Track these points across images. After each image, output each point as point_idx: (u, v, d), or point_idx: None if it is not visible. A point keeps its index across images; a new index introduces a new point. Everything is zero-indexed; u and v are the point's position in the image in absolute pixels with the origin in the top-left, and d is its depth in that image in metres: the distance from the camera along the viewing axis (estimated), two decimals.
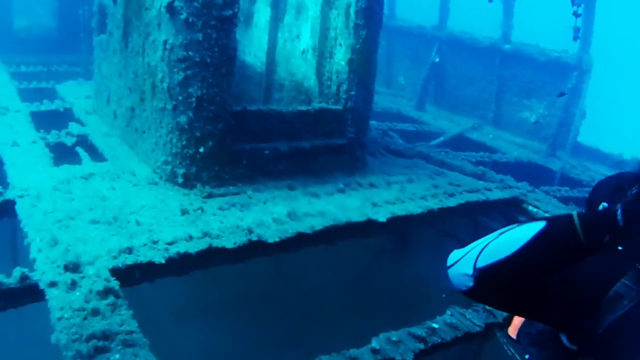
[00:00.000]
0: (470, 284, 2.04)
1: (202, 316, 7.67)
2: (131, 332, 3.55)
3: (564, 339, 2.15)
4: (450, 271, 2.13)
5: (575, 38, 8.75)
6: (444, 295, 4.73)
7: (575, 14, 7.88)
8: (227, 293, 7.56)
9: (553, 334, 2.22)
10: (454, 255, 2.15)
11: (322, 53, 6.80)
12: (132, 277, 4.27)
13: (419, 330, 4.06)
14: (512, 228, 2.07)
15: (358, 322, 7.20)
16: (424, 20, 13.21)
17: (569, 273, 2.06)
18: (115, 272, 4.12)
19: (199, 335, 7.40)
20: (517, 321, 2.56)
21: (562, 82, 10.01)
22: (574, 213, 1.99)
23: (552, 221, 2.00)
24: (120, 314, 3.70)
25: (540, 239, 1.96)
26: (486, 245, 2.04)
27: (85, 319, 3.59)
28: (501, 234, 2.06)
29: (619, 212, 1.91)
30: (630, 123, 32.61)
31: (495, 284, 2.03)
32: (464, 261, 2.07)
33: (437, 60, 12.25)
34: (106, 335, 3.47)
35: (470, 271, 2.03)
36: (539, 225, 1.98)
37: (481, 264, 2.01)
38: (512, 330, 2.56)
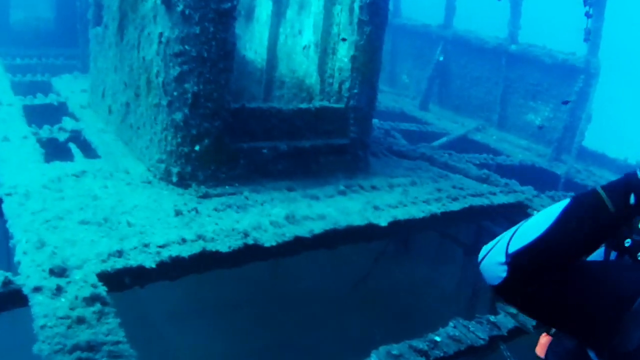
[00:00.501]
0: (504, 274, 1.98)
1: (197, 317, 7.50)
2: (118, 342, 3.36)
3: (593, 356, 2.05)
4: (482, 265, 2.08)
5: (586, 40, 8.54)
6: None
7: (587, 15, 7.65)
8: (223, 294, 7.39)
9: (581, 351, 2.11)
10: (484, 248, 2.11)
11: (325, 49, 6.61)
12: (121, 282, 4.08)
13: (420, 344, 3.86)
14: (539, 211, 2.07)
15: (357, 326, 7.04)
16: (428, 19, 13.00)
17: (592, 282, 2.00)
18: (104, 276, 3.92)
19: (194, 337, 7.23)
20: (545, 340, 2.44)
21: (569, 85, 9.81)
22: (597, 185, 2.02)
23: (577, 196, 2.04)
24: (106, 322, 3.50)
25: (569, 212, 1.97)
26: (516, 230, 2.02)
27: (69, 327, 3.39)
28: (528, 219, 2.05)
29: (638, 171, 1.95)
30: (634, 127, 32.41)
31: (529, 270, 1.97)
32: (496, 250, 2.04)
33: (441, 59, 12.05)
34: (91, 346, 3.27)
35: (503, 258, 1.99)
36: (566, 202, 2.00)
37: (513, 248, 1.98)
38: (540, 350, 2.45)
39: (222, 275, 5.03)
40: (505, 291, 2.05)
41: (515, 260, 1.97)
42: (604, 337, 1.96)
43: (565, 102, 9.23)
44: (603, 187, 2.00)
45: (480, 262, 2.09)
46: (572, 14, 9.78)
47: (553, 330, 2.42)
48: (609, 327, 1.94)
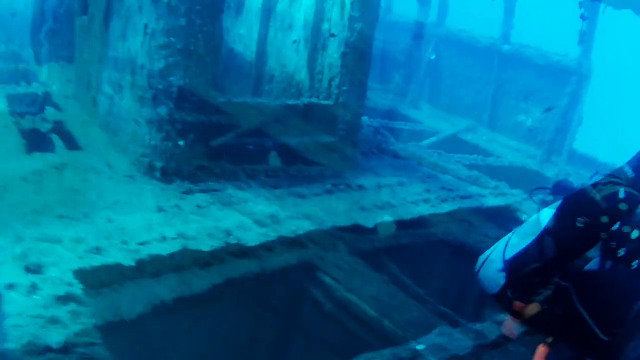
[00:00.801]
0: (502, 281, 2.01)
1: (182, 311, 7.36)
2: (92, 344, 3.25)
3: None
4: (481, 274, 2.10)
5: (581, 42, 8.50)
6: None
7: (582, 17, 7.61)
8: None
9: None
10: (481, 258, 2.13)
11: (315, 45, 6.51)
12: (99, 279, 3.96)
13: (402, 352, 3.77)
14: (531, 216, 2.12)
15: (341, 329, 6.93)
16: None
17: (591, 290, 2.04)
18: (81, 274, 3.81)
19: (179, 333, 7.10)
20: (542, 350, 2.39)
21: (562, 86, 9.76)
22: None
23: (568, 197, 2.07)
24: (81, 322, 3.39)
25: (562, 213, 1.99)
26: (511, 236, 2.05)
27: (42, 327, 3.28)
28: (523, 224, 2.09)
29: (624, 166, 2.03)
30: (624, 131, 32.49)
31: (527, 274, 1.99)
32: (492, 258, 2.06)
33: (433, 57, 11.97)
34: (64, 348, 3.17)
35: (501, 265, 2.01)
36: (557, 204, 2.03)
37: (510, 254, 2.01)
38: None
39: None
40: (504, 299, 2.05)
41: (513, 266, 1.99)
42: (604, 345, 1.97)
43: (548, 109, 9.23)
44: (592, 185, 2.03)
45: (478, 271, 2.10)
46: (566, 15, 9.71)
47: (550, 339, 2.37)
48: (609, 335, 1.96)
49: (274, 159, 5.86)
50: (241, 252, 4.44)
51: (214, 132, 5.40)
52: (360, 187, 6.04)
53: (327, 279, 4.54)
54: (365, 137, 7.87)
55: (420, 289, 4.89)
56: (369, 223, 5.20)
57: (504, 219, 6.47)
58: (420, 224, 5.65)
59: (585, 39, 8.53)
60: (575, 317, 2.06)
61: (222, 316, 5.13)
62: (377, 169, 6.82)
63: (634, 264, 2.05)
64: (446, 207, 5.97)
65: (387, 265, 5.04)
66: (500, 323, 4.19)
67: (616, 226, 2.07)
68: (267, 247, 4.55)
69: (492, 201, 6.52)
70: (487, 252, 2.12)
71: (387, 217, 5.32)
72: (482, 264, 2.11)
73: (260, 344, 5.28)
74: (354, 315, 4.33)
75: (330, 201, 5.56)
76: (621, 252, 2.08)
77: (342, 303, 4.40)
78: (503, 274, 2.01)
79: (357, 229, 5.17)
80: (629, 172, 2.07)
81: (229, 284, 4.30)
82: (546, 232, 1.98)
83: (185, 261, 4.22)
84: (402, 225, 5.50)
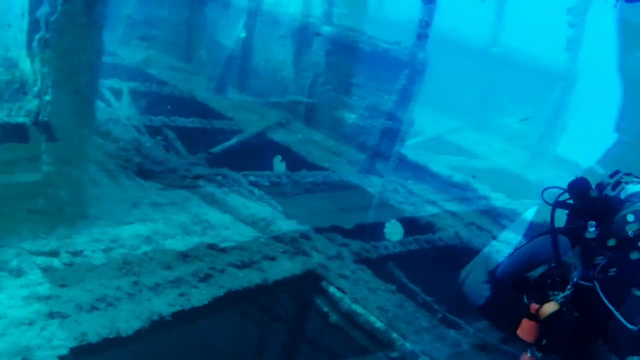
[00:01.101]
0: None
1: None
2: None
3: None
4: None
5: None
6: None
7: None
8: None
9: None
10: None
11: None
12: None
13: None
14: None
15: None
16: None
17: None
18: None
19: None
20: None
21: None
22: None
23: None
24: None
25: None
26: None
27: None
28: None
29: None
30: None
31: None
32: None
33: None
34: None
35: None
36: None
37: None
38: None
39: None
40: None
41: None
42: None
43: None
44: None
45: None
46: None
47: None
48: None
49: (277, 164, 5.76)
50: (243, 262, 4.30)
51: (196, 128, 5.30)
52: (344, 187, 5.98)
53: (332, 289, 4.35)
54: (351, 136, 7.78)
55: (428, 297, 4.75)
56: (347, 224, 5.13)
57: (488, 223, 6.43)
58: (416, 224, 5.56)
59: (572, 45, 8.53)
60: (601, 314, 2.01)
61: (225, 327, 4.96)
62: (362, 169, 6.75)
63: (612, 271, 2.03)
64: (430, 210, 5.91)
65: (393, 272, 4.89)
66: (480, 330, 4.15)
67: (593, 235, 2.06)
68: (270, 257, 4.41)
69: (475, 205, 6.46)
70: (470, 265, 2.11)
71: (393, 220, 5.26)
72: (466, 276, 2.09)
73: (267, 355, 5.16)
74: (361, 326, 4.16)
75: (311, 201, 5.51)
76: (598, 260, 2.08)
77: (347, 314, 4.22)
78: (487, 286, 2.00)
79: (359, 233, 5.08)
80: (599, 170, 2.15)
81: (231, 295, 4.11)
82: (559, 232, 1.99)
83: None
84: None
